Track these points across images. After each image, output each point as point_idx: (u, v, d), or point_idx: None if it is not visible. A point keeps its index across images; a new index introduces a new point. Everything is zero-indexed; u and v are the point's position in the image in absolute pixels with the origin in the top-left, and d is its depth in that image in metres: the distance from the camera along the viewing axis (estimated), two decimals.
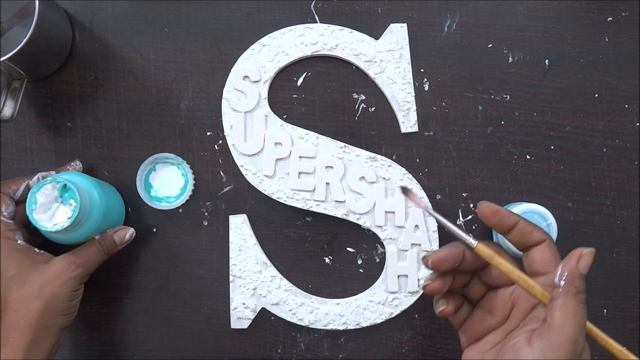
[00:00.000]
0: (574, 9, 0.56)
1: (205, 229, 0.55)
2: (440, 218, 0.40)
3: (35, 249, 0.48)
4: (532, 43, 0.55)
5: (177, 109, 0.55)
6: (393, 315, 0.54)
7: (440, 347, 0.55)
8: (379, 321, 0.54)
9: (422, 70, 0.55)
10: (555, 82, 0.55)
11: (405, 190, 0.45)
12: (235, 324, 0.54)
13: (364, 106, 0.55)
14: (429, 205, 0.42)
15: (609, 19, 0.56)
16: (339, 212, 0.53)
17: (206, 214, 0.55)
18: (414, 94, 0.55)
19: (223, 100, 0.54)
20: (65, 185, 0.46)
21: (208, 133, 0.55)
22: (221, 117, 0.54)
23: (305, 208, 0.53)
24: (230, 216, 0.55)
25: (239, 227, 0.54)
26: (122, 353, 0.55)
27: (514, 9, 0.56)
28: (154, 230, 0.55)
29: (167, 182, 0.55)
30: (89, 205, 0.48)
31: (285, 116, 0.55)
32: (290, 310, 0.54)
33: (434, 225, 0.53)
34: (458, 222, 0.55)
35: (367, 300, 0.54)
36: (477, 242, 0.39)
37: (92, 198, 0.49)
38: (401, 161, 0.55)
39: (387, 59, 0.55)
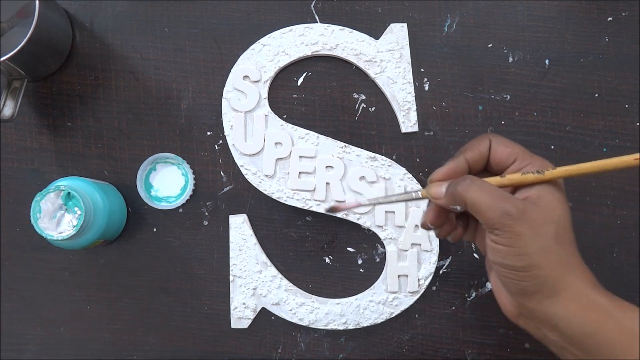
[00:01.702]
0: (574, 9, 0.56)
1: (205, 229, 0.55)
2: (380, 201, 0.40)
3: None
4: (532, 43, 0.55)
5: (177, 109, 0.55)
6: (393, 315, 0.54)
7: (441, 347, 0.55)
8: (379, 321, 0.54)
9: (422, 70, 0.55)
10: (555, 82, 0.55)
11: (332, 210, 0.42)
12: (235, 324, 0.54)
13: (364, 106, 0.55)
14: (361, 199, 0.41)
15: (609, 19, 0.56)
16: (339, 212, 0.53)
17: (206, 213, 0.55)
18: (414, 94, 0.55)
19: (223, 100, 0.54)
20: (69, 193, 0.47)
21: (208, 133, 0.55)
22: (221, 117, 0.54)
23: (306, 208, 0.53)
24: (230, 216, 0.55)
25: (239, 227, 0.54)
26: (122, 353, 0.55)
27: (514, 9, 0.56)
28: (154, 230, 0.55)
29: (167, 182, 0.55)
30: (93, 211, 0.48)
31: (285, 116, 0.55)
32: (291, 310, 0.54)
33: None
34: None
35: (367, 300, 0.54)
36: (420, 190, 0.39)
37: (96, 203, 0.49)
38: (401, 161, 0.55)
39: (387, 59, 0.55)
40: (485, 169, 0.39)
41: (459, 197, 0.36)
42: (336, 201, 0.41)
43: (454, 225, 0.40)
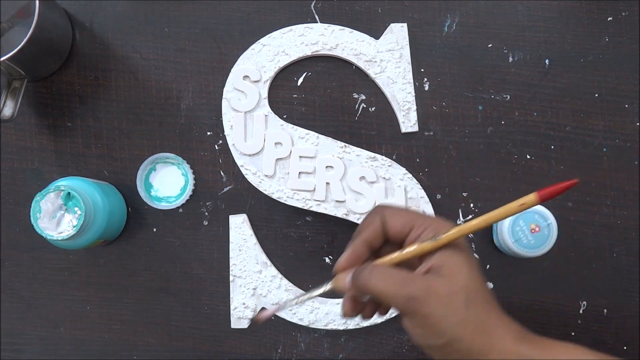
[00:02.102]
0: (574, 9, 0.56)
1: (205, 229, 0.55)
2: (298, 301, 0.39)
3: None
4: (532, 43, 0.55)
5: (177, 109, 0.55)
6: (393, 315, 0.54)
7: None
8: (379, 321, 0.54)
9: (422, 70, 0.55)
10: (555, 82, 0.55)
11: (256, 321, 0.41)
12: (235, 324, 0.54)
13: (364, 106, 0.55)
14: (280, 304, 0.40)
15: (609, 19, 0.56)
16: (339, 212, 0.53)
17: (206, 213, 0.55)
18: (414, 94, 0.55)
19: (223, 100, 0.54)
20: (69, 193, 0.47)
21: (208, 133, 0.55)
22: (221, 117, 0.54)
23: (306, 208, 0.53)
24: (230, 216, 0.55)
25: (239, 227, 0.54)
26: (122, 353, 0.55)
27: (514, 9, 0.56)
28: (154, 230, 0.55)
29: (167, 182, 0.55)
30: (93, 211, 0.48)
31: (285, 116, 0.55)
32: (291, 310, 0.54)
33: None
34: (458, 222, 0.55)
35: None
36: (330, 283, 0.38)
37: (96, 203, 0.49)
38: (401, 161, 0.55)
39: (387, 59, 0.55)
40: (387, 241, 0.38)
41: (363, 290, 0.35)
42: (259, 312, 0.40)
43: (376, 303, 0.39)
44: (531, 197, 0.33)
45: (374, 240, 0.37)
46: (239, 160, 0.54)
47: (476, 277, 0.34)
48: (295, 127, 0.54)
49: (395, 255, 0.36)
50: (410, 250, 0.35)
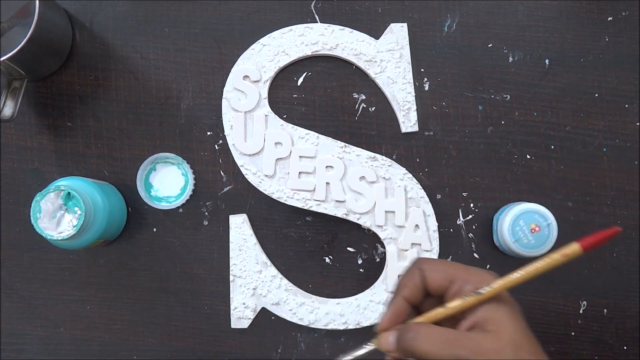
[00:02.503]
0: (574, 9, 0.56)
1: (205, 228, 0.55)
2: None
3: None
4: (532, 43, 0.55)
5: (177, 109, 0.55)
6: None
7: None
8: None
9: (422, 70, 0.55)
10: (555, 82, 0.55)
11: None
12: (235, 324, 0.54)
13: (364, 106, 0.55)
14: None
15: (609, 18, 0.56)
16: (339, 212, 0.53)
17: (206, 213, 0.55)
18: (414, 94, 0.55)
19: (223, 100, 0.54)
20: (69, 193, 0.47)
21: (208, 133, 0.55)
22: (221, 117, 0.54)
23: (306, 208, 0.53)
24: (230, 216, 0.55)
25: (239, 227, 0.54)
26: (122, 353, 0.55)
27: (514, 9, 0.56)
28: (154, 230, 0.55)
29: (167, 182, 0.55)
30: (93, 211, 0.48)
31: (285, 116, 0.55)
32: (291, 310, 0.54)
33: (434, 225, 0.53)
34: (458, 222, 0.55)
35: (367, 300, 0.54)
36: (372, 345, 0.38)
37: (96, 203, 0.49)
38: (401, 161, 0.55)
39: (387, 59, 0.55)
40: (428, 294, 0.38)
41: (409, 352, 0.35)
42: None
43: None
44: (575, 247, 0.34)
45: (415, 296, 0.37)
46: (239, 160, 0.54)
47: (522, 328, 0.34)
48: (295, 127, 0.54)
49: (439, 311, 0.36)
50: (453, 305, 0.35)
